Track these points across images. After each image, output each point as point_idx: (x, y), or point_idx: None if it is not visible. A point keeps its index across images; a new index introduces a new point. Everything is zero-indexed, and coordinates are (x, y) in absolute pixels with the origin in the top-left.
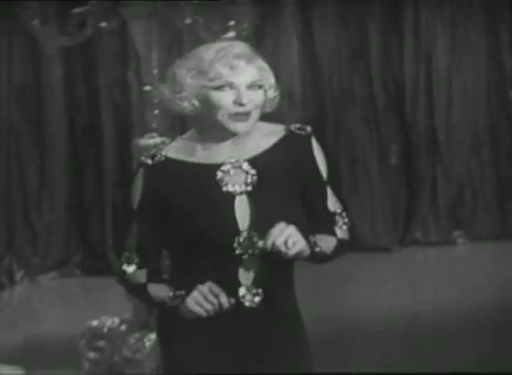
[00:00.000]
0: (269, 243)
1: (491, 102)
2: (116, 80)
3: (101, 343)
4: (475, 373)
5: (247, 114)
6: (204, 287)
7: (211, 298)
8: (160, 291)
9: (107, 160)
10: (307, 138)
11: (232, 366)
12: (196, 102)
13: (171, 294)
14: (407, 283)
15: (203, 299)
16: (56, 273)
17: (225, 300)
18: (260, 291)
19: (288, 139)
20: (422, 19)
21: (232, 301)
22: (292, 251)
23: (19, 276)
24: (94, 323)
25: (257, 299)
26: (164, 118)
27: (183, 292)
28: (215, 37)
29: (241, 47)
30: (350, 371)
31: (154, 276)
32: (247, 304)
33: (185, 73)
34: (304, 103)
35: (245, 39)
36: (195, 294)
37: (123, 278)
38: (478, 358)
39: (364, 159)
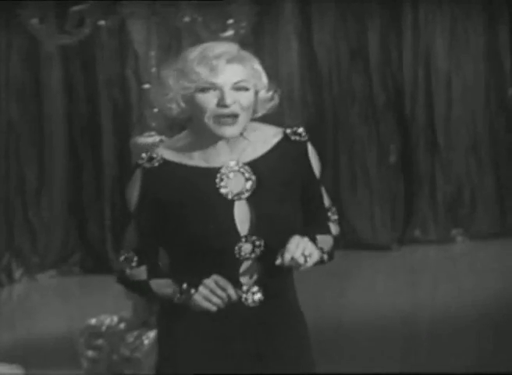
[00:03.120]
0: (287, 258)
1: (490, 101)
2: (115, 79)
3: (100, 341)
4: (475, 372)
5: (234, 116)
6: (211, 282)
7: (219, 292)
8: (163, 286)
9: (106, 159)
10: (303, 144)
11: (232, 366)
12: (183, 104)
13: (176, 289)
14: (406, 281)
15: (210, 294)
16: (55, 272)
17: (233, 292)
18: (260, 289)
19: (284, 144)
20: (421, 18)
21: (240, 292)
22: (309, 263)
23: (18, 274)
24: (93, 321)
25: (257, 298)
26: (163, 116)
27: (185, 285)
28: (214, 35)
29: (225, 47)
30: (348, 370)
31: (155, 272)
32: (248, 303)
33: (169, 75)
34: (303, 101)
35: (244, 37)
36: (202, 289)
37: (123, 277)
38: (477, 357)
39: (363, 158)
